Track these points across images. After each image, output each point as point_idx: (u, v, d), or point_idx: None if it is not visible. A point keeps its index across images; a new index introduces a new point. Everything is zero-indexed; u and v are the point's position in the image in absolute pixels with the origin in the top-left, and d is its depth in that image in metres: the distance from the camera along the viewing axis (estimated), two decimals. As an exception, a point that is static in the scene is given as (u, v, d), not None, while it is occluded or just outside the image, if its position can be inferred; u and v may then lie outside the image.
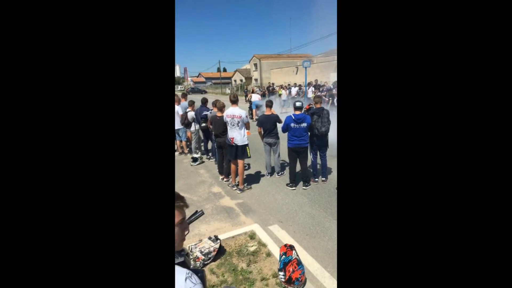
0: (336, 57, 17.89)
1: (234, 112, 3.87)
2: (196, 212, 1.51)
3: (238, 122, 3.87)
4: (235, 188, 4.26)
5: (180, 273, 0.87)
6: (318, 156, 4.41)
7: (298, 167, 4.30)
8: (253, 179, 4.74)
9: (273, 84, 16.02)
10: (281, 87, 14.22)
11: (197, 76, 52.89)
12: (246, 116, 3.95)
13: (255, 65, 32.20)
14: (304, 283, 2.16)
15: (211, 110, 5.22)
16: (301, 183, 4.31)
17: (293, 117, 3.98)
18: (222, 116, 4.13)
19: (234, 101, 3.97)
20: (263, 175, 4.89)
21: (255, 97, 10.43)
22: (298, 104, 4.07)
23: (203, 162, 5.83)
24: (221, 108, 4.37)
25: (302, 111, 4.23)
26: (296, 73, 23.54)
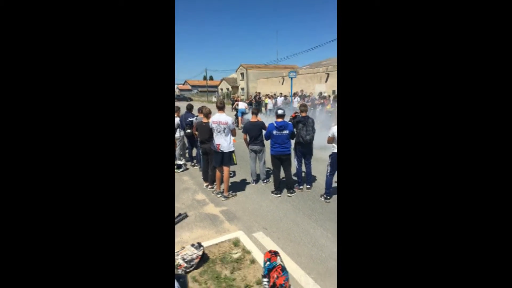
0: (320, 69, 18.24)
1: (220, 119, 3.87)
2: (180, 214, 1.49)
3: (225, 128, 3.87)
4: (220, 195, 4.21)
5: None
6: (303, 164, 4.47)
7: (282, 175, 4.32)
8: (238, 186, 4.71)
9: (259, 93, 16.20)
10: (267, 96, 14.40)
11: (183, 84, 52.54)
12: (233, 123, 3.95)
13: (242, 74, 32.50)
14: (288, 290, 2.14)
15: (197, 116, 5.18)
16: (286, 190, 4.33)
17: (275, 124, 4.03)
18: (208, 122, 4.11)
19: (221, 108, 3.97)
20: (248, 183, 4.87)
21: (242, 105, 10.49)
22: (280, 111, 4.13)
23: (187, 169, 5.73)
24: (207, 114, 4.35)
25: (288, 119, 4.31)
26: (282, 84, 23.97)
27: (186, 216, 1.48)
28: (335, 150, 3.77)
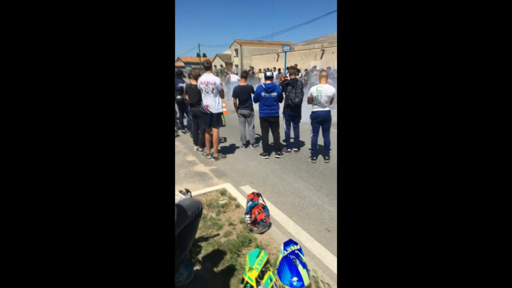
0: (316, 45, 17.84)
1: (208, 79, 3.88)
2: None
3: (213, 89, 3.89)
4: (210, 156, 4.32)
5: None
6: (292, 128, 4.56)
7: (271, 138, 4.43)
8: (228, 150, 4.83)
9: (252, 68, 15.97)
10: (260, 70, 14.23)
11: (176, 60, 51.07)
12: (221, 83, 3.97)
13: (236, 50, 31.74)
14: (269, 226, 2.30)
15: (186, 82, 5.17)
16: (274, 153, 4.45)
17: (264, 86, 4.07)
18: (197, 85, 4.12)
19: (208, 67, 3.97)
20: (238, 147, 4.99)
21: (234, 78, 10.38)
22: (268, 73, 4.18)
23: (178, 135, 5.80)
24: (196, 77, 4.35)
25: (278, 83, 4.35)
26: (277, 60, 23.56)
27: None
28: (313, 109, 3.93)
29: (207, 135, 4.27)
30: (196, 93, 4.23)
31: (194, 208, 1.39)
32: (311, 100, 3.88)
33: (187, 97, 4.69)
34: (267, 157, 4.37)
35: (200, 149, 4.67)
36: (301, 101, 4.24)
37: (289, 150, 4.60)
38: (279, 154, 4.39)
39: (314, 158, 4.14)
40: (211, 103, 3.95)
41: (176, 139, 5.59)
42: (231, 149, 4.89)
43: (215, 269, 1.79)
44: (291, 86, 4.18)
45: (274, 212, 2.69)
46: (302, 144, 4.92)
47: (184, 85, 5.11)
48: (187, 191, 2.71)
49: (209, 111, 3.98)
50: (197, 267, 1.80)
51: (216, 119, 4.05)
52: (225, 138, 5.48)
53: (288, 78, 4.38)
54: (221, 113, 4.08)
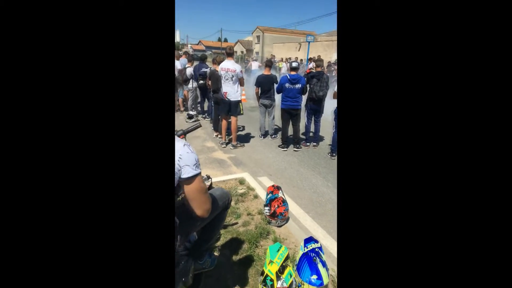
0: (341, 36, 17.41)
1: (228, 66, 3.83)
2: (194, 124, 1.66)
3: (232, 76, 3.84)
4: (224, 145, 4.33)
5: (179, 141, 0.96)
6: (312, 122, 4.48)
7: (291, 131, 4.38)
8: (246, 139, 4.83)
9: (274, 56, 15.69)
10: (282, 60, 13.98)
11: (197, 44, 50.98)
12: (241, 71, 3.92)
13: (258, 37, 31.23)
14: (287, 220, 2.31)
15: (210, 67, 5.15)
16: (292, 145, 4.42)
17: (288, 77, 3.98)
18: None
19: (230, 54, 3.92)
20: (254, 136, 4.98)
21: (255, 65, 10.27)
22: (294, 64, 4.07)
23: (198, 120, 5.84)
24: (220, 63, 4.32)
25: (303, 75, 4.25)
26: (299, 50, 23.03)
27: (200, 126, 1.60)
28: None
29: (224, 122, 4.27)
30: (218, 79, 4.21)
31: (224, 199, 1.40)
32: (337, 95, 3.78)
33: (210, 82, 4.68)
34: (285, 149, 4.34)
35: (219, 136, 4.70)
36: (325, 95, 4.14)
37: (308, 144, 4.54)
38: (297, 148, 4.34)
39: (334, 154, 4.07)
40: (230, 90, 3.92)
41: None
42: (249, 138, 4.88)
43: (233, 258, 1.83)
44: (317, 79, 4.07)
45: (292, 206, 2.69)
46: (321, 139, 4.84)
47: (208, 70, 5.10)
48: (208, 177, 2.75)
49: (227, 98, 3.96)
50: (216, 254, 1.84)
51: (234, 107, 4.03)
52: (243, 127, 5.48)
53: (314, 71, 4.27)
54: (239, 101, 4.05)
